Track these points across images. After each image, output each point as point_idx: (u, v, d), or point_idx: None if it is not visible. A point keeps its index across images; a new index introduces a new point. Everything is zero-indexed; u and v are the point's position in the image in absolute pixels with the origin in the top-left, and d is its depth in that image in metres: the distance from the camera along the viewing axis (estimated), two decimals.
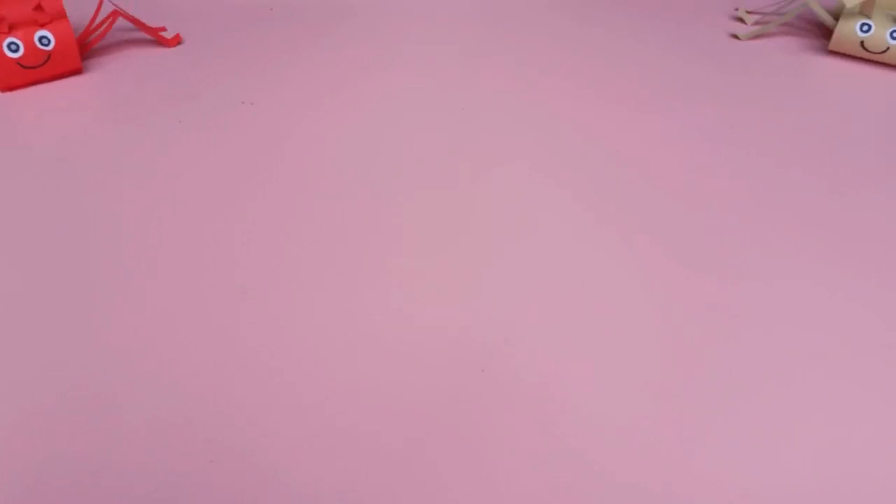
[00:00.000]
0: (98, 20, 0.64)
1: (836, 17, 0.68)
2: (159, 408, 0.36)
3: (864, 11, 0.63)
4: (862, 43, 0.64)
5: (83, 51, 0.63)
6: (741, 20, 0.71)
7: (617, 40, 0.64)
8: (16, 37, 0.59)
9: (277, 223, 0.47)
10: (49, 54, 0.61)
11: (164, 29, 0.66)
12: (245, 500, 0.33)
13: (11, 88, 0.62)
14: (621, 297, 0.40)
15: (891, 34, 0.62)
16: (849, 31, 0.64)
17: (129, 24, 0.65)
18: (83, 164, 0.51)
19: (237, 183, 0.49)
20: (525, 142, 0.53)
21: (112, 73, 0.62)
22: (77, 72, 0.63)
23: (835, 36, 0.65)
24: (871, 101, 0.57)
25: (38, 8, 0.60)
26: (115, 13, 0.64)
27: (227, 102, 0.60)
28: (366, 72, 0.62)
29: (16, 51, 0.59)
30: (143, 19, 0.66)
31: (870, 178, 0.48)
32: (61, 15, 0.61)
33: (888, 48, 0.63)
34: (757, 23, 0.71)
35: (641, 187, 0.47)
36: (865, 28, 0.63)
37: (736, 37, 0.69)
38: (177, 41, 0.67)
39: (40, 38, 0.60)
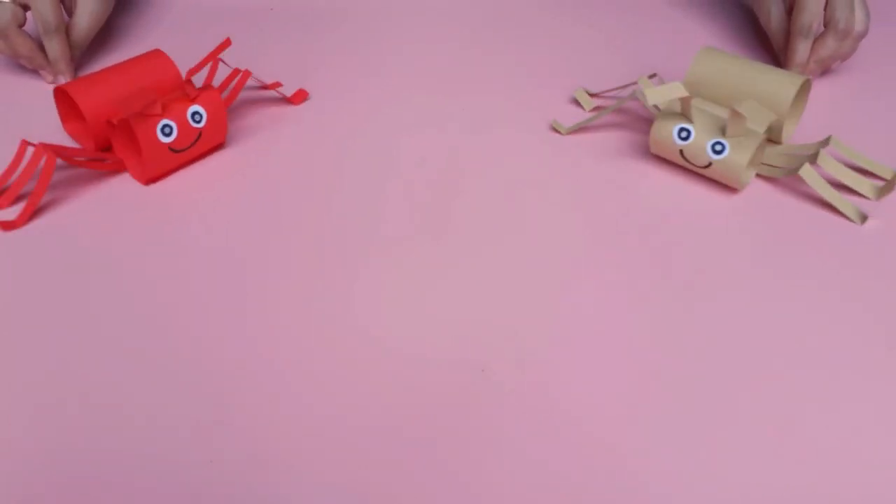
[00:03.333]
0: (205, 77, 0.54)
1: None
2: (159, 408, 0.37)
3: (684, 111, 0.48)
4: (682, 152, 0.48)
5: None
6: (579, 104, 0.58)
7: None
8: (170, 118, 0.49)
9: (277, 223, 0.47)
10: (200, 132, 0.50)
11: (280, 84, 0.58)
12: (245, 500, 0.33)
13: (157, 179, 0.51)
14: (621, 297, 0.43)
15: (712, 147, 0.47)
16: (665, 135, 0.49)
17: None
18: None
19: (236, 182, 0.50)
20: (525, 141, 0.55)
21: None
22: (220, 146, 0.53)
23: (651, 138, 0.49)
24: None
25: (189, 81, 0.50)
26: (246, 73, 0.55)
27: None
28: (366, 72, 0.62)
29: (169, 134, 0.49)
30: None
31: None
32: (205, 84, 0.51)
33: (710, 164, 0.47)
34: (597, 108, 0.57)
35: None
36: (684, 135, 0.48)
37: (557, 130, 0.55)
38: (303, 98, 0.59)
39: (193, 115, 0.50)
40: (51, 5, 0.57)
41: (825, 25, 0.55)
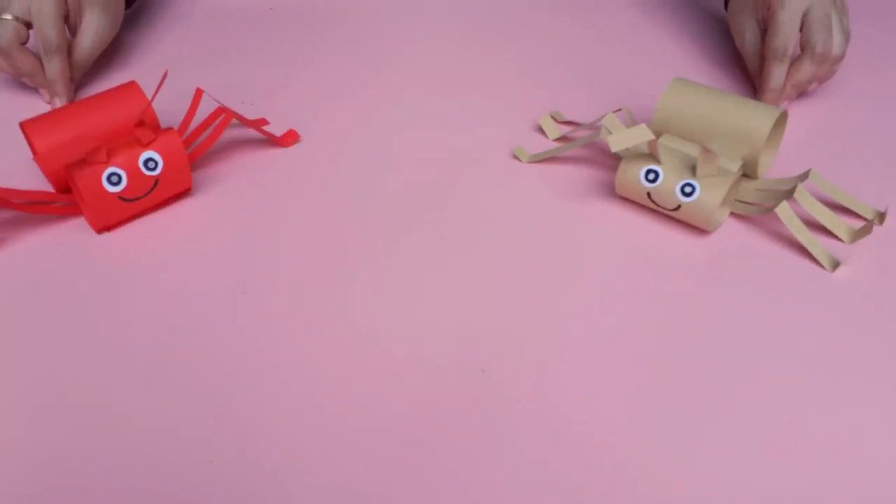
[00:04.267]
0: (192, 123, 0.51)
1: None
2: (159, 407, 0.37)
3: (651, 151, 0.46)
4: (649, 195, 0.46)
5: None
6: (543, 132, 0.55)
7: None
8: (117, 165, 0.46)
9: (276, 222, 0.48)
10: (156, 180, 0.47)
11: (266, 122, 0.55)
12: (245, 500, 0.34)
13: (109, 229, 0.48)
14: (621, 297, 0.43)
15: (682, 189, 0.45)
16: (632, 177, 0.46)
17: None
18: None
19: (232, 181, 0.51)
20: (525, 140, 0.55)
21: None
22: (185, 193, 0.51)
23: (617, 179, 0.47)
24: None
25: (140, 124, 0.47)
26: (229, 114, 0.52)
27: (226, 102, 0.59)
28: (366, 72, 0.62)
29: (117, 183, 0.46)
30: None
31: None
32: (163, 128, 0.48)
33: (679, 206, 0.45)
34: (563, 138, 0.54)
35: None
36: (651, 176, 0.46)
37: (517, 158, 0.53)
38: (294, 139, 0.56)
39: (146, 162, 0.47)
40: (53, 24, 0.55)
41: (801, 49, 0.53)
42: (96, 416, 0.37)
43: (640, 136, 0.43)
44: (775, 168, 0.52)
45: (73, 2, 0.56)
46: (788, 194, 0.45)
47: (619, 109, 0.53)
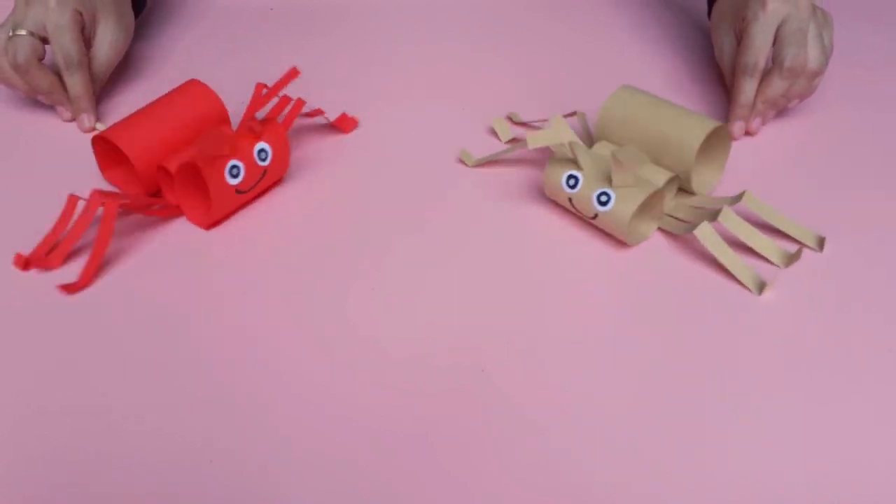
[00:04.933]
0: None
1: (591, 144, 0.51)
2: (158, 407, 0.38)
3: (574, 155, 0.45)
4: (570, 200, 0.46)
5: None
6: (495, 134, 0.55)
7: None
8: (238, 157, 0.45)
9: (277, 221, 0.48)
10: (265, 170, 0.47)
11: (321, 112, 0.55)
12: (245, 500, 0.34)
13: (220, 223, 0.46)
14: (621, 297, 0.43)
15: (598, 197, 0.44)
16: (555, 181, 0.46)
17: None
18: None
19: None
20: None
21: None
22: (278, 183, 0.50)
23: (544, 182, 0.47)
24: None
25: (252, 117, 0.46)
26: (299, 102, 0.51)
27: (226, 102, 0.56)
28: (366, 72, 0.63)
29: (237, 175, 0.45)
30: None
31: None
32: (267, 116, 0.47)
33: (596, 215, 0.45)
34: (514, 139, 0.54)
35: None
36: (572, 182, 0.45)
37: (463, 162, 0.53)
38: (353, 125, 0.56)
39: (259, 153, 0.46)
40: (72, 38, 0.52)
41: (772, 62, 0.52)
42: (95, 415, 0.37)
43: (557, 136, 0.43)
44: (742, 186, 0.49)
45: (88, 14, 0.54)
46: (713, 216, 0.45)
47: (574, 113, 0.53)
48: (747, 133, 0.54)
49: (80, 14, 0.53)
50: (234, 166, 0.44)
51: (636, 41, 0.65)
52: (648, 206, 0.46)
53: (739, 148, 0.53)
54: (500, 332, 0.41)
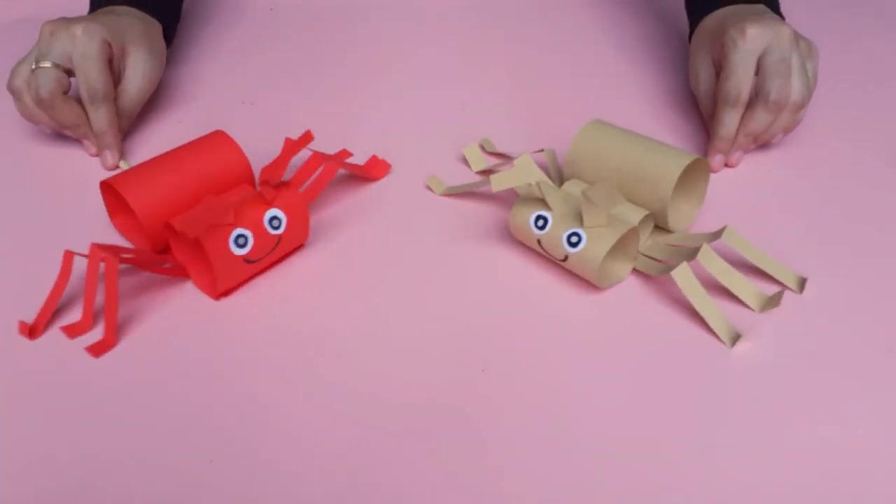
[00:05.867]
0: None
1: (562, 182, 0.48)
2: (158, 407, 0.38)
3: (543, 195, 0.42)
4: (539, 242, 0.43)
5: None
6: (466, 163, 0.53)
7: None
8: (244, 226, 0.42)
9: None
10: (279, 238, 0.43)
11: (349, 154, 0.51)
12: (245, 500, 0.34)
13: (229, 293, 0.44)
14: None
15: (568, 238, 0.41)
16: (523, 222, 0.43)
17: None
18: None
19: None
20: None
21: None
22: (299, 248, 0.47)
23: (510, 222, 0.44)
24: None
25: (265, 182, 0.42)
26: (331, 164, 0.48)
27: (226, 102, 0.59)
28: (367, 71, 0.63)
29: (244, 245, 0.42)
30: None
31: None
32: (275, 181, 0.44)
33: (566, 257, 0.42)
34: (487, 171, 0.52)
35: None
36: (541, 223, 0.42)
37: (430, 188, 0.51)
38: (386, 170, 0.52)
39: (270, 221, 0.43)
40: (99, 70, 0.50)
41: (755, 94, 0.49)
42: (95, 415, 0.37)
43: (523, 177, 0.41)
44: (723, 220, 0.47)
45: (117, 45, 0.52)
46: (692, 255, 0.42)
47: (541, 150, 0.51)
48: (727, 165, 0.52)
49: (109, 45, 0.51)
50: (240, 235, 0.41)
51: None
52: (622, 246, 0.44)
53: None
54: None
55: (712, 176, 0.51)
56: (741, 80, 0.48)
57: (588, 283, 0.43)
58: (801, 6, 0.65)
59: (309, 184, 0.48)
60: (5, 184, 0.52)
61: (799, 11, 0.63)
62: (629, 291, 0.43)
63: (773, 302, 0.41)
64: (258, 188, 0.44)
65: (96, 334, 0.41)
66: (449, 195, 0.50)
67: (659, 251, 0.44)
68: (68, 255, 0.41)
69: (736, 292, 0.42)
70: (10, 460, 0.35)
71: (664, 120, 0.57)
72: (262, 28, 0.68)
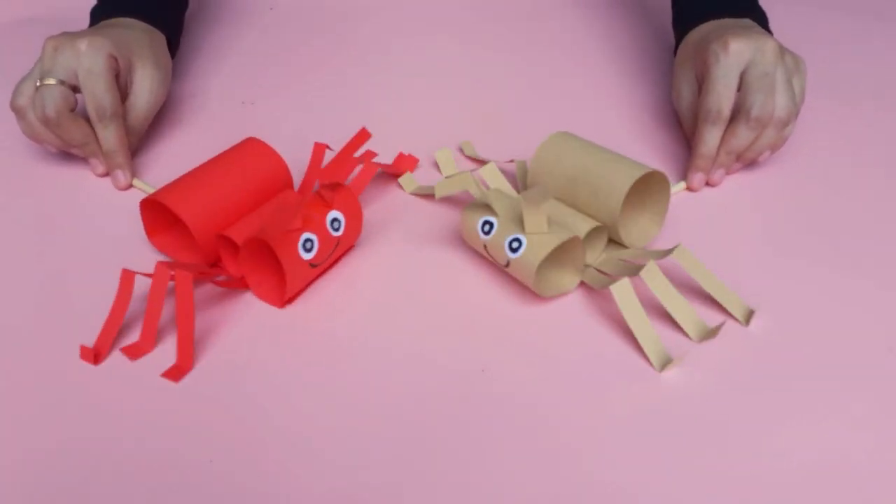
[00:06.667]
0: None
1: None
2: (158, 407, 0.38)
3: (489, 201, 0.42)
4: (486, 247, 0.43)
5: None
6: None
7: None
8: (311, 230, 0.41)
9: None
10: (338, 241, 0.43)
11: (374, 154, 0.51)
12: (245, 500, 0.34)
13: (293, 300, 0.43)
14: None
15: (510, 244, 0.41)
16: (471, 227, 0.43)
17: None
18: None
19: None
20: (526, 141, 0.53)
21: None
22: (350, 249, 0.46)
23: (462, 226, 0.44)
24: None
25: (325, 185, 0.42)
26: (371, 163, 0.48)
27: (227, 102, 0.59)
28: (366, 71, 0.63)
29: (310, 249, 0.41)
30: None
31: None
32: (327, 182, 0.44)
33: (508, 262, 0.41)
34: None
35: None
36: (487, 228, 0.42)
37: (401, 186, 0.51)
38: (415, 164, 0.53)
39: (332, 223, 0.43)
40: (106, 86, 0.48)
41: (737, 110, 0.47)
42: (95, 415, 0.37)
43: (461, 184, 0.43)
44: (685, 239, 0.44)
45: (123, 59, 0.50)
46: (635, 271, 0.41)
47: (512, 161, 0.51)
48: (708, 184, 0.50)
49: (115, 59, 0.48)
50: (307, 240, 0.41)
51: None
52: (569, 258, 0.43)
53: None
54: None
55: (692, 194, 0.50)
56: (721, 95, 0.46)
57: (531, 292, 0.43)
58: (800, 7, 0.67)
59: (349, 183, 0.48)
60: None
61: (799, 13, 0.65)
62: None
63: (711, 333, 0.39)
64: (315, 190, 0.44)
65: (159, 354, 0.39)
66: (418, 195, 0.50)
67: (610, 266, 0.43)
68: (127, 275, 0.39)
69: (675, 317, 0.40)
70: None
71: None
72: (262, 28, 0.68)
